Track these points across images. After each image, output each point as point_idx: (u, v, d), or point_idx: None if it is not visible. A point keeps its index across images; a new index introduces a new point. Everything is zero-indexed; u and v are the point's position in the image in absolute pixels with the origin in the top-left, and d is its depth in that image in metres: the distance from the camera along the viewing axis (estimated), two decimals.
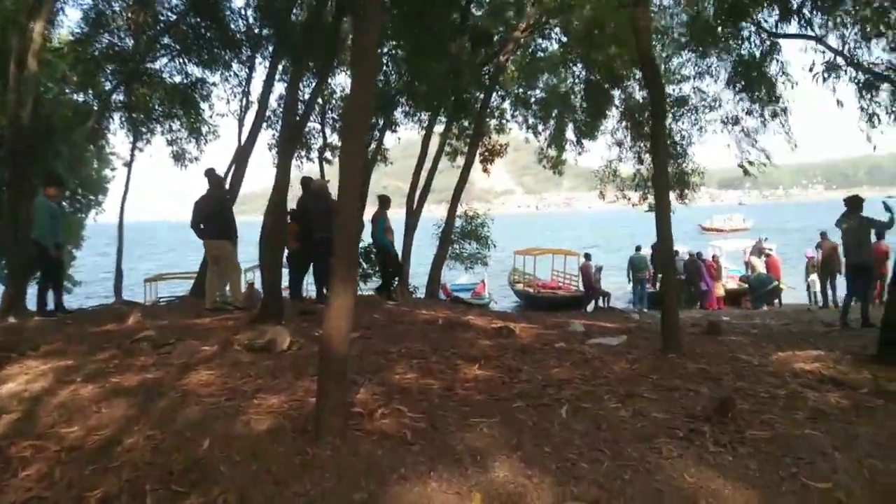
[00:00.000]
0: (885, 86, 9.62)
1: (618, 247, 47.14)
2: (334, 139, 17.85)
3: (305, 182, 10.84)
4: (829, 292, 17.43)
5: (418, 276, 20.59)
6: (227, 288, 9.71)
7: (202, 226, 9.15)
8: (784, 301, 19.81)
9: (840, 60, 9.68)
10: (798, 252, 26.66)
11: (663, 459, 2.97)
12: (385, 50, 15.34)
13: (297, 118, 7.95)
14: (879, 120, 10.02)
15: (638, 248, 21.15)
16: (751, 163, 13.25)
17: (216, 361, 5.33)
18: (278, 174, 7.08)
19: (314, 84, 14.99)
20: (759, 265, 21.69)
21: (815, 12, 9.65)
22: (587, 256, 21.33)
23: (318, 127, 17.54)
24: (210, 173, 9.50)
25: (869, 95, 9.76)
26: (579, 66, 16.43)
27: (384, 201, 11.66)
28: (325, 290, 10.21)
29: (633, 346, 5.99)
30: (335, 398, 3.50)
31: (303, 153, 17.81)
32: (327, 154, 18.15)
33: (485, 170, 18.59)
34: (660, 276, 21.41)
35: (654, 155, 6.01)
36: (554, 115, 19.11)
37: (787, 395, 3.95)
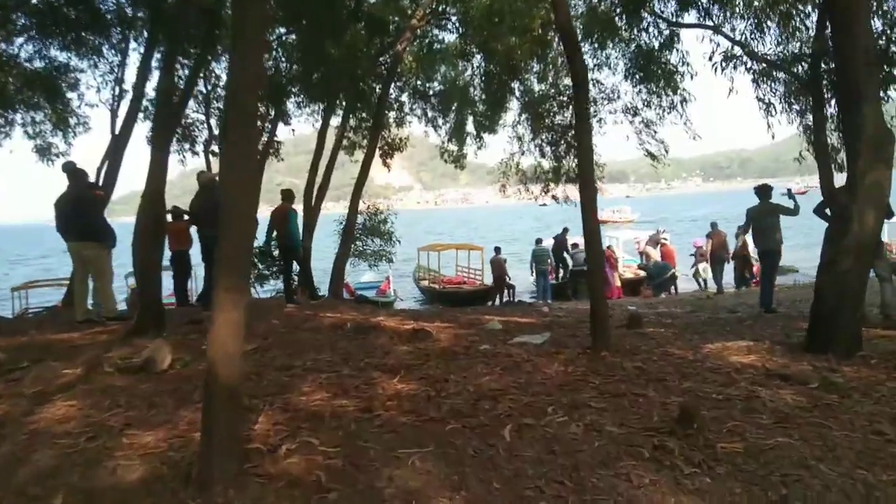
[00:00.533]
0: (781, 75, 9.82)
1: (519, 240, 47.83)
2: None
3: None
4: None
5: (318, 273, 19.60)
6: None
7: (65, 227, 8.01)
8: (679, 288, 20.57)
9: (737, 50, 9.80)
10: (684, 241, 27.90)
11: (635, 489, 2.49)
12: (274, 36, 14.35)
13: (173, 106, 6.96)
14: (776, 109, 10.26)
15: (538, 241, 21.19)
16: (653, 156, 13.33)
17: (80, 388, 4.40)
18: (152, 166, 6.13)
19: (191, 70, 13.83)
20: (655, 254, 22.39)
21: (712, 2, 9.72)
22: (497, 250, 21.13)
23: (203, 118, 16.24)
24: (69, 168, 8.31)
25: (766, 85, 9.94)
26: (478, 57, 16.08)
27: (290, 195, 10.74)
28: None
29: (558, 343, 5.57)
30: (225, 435, 2.77)
31: (186, 146, 16.44)
32: (214, 147, 16.84)
33: (385, 164, 17.90)
34: (561, 268, 21.67)
35: (579, 141, 5.59)
36: (454, 108, 18.76)
37: (740, 395, 3.61)
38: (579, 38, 13.52)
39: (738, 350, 5.06)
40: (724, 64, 10.02)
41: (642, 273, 22.11)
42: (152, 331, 6.00)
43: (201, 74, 15.12)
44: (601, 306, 5.10)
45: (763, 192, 9.65)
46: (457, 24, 15.78)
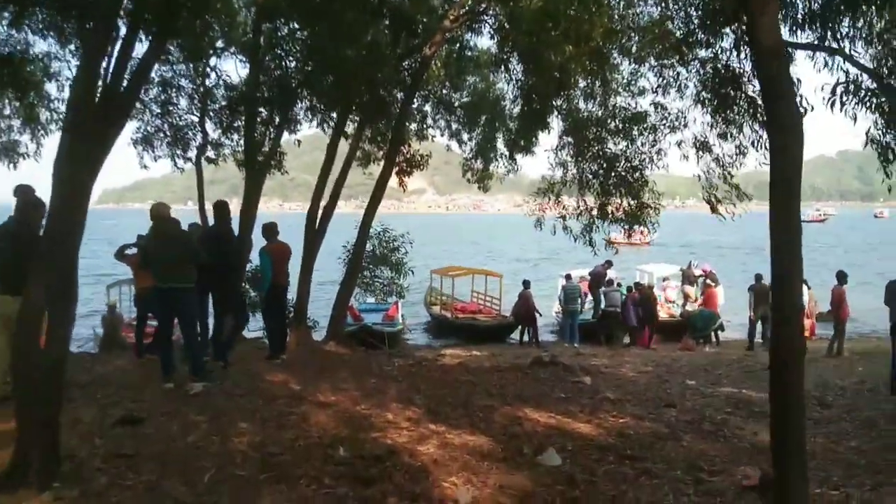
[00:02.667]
0: None
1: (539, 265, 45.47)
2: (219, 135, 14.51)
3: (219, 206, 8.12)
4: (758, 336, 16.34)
5: (320, 303, 17.50)
6: None
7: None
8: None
9: (867, 80, 7.58)
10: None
11: None
12: (284, 31, 12.26)
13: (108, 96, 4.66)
14: (894, 155, 8.07)
15: (568, 277, 18.98)
16: (714, 207, 10.86)
17: None
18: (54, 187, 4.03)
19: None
20: (693, 293, 20.18)
21: (840, 18, 7.50)
22: (526, 284, 18.95)
23: (196, 119, 14.15)
24: (24, 192, 6.23)
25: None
26: (518, 68, 13.86)
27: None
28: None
29: None
30: None
31: (178, 150, 14.37)
32: (211, 153, 14.77)
33: (400, 183, 15.78)
34: (592, 307, 19.37)
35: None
36: (482, 122, 16.64)
37: None
38: (641, 54, 11.44)
39: None
40: (844, 98, 7.81)
41: (676, 314, 19.88)
42: (36, 478, 3.82)
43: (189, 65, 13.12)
44: None
45: None
46: (494, 28, 13.64)
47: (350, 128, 14.39)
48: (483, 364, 11.94)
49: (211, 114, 13.92)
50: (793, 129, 3.26)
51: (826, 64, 7.85)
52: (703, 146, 10.85)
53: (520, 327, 18.59)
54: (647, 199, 11.64)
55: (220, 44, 13.58)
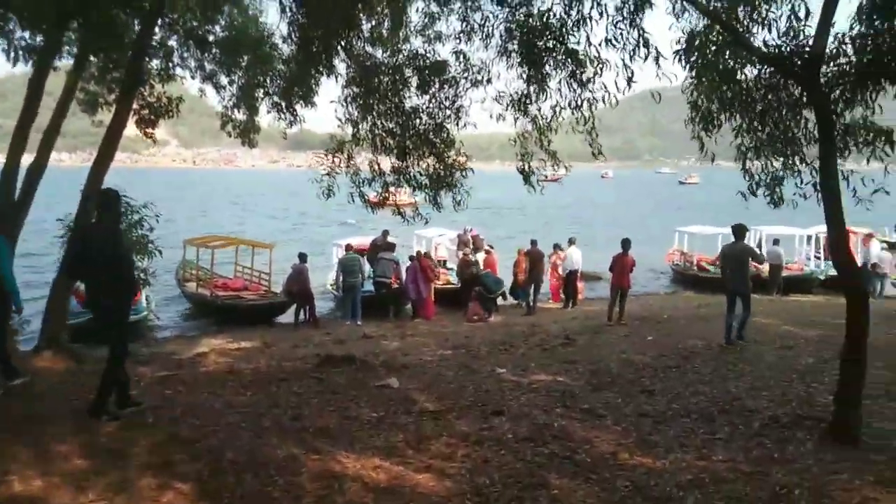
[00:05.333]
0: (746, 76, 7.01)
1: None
2: None
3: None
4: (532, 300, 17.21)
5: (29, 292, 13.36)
6: None
7: None
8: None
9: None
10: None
11: None
12: None
13: None
14: (717, 123, 7.52)
15: (348, 247, 17.07)
16: (527, 177, 9.53)
17: None
18: None
19: None
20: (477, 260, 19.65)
21: None
22: (302, 257, 16.62)
23: None
24: None
25: (727, 85, 7.05)
26: None
27: None
28: None
29: None
30: None
31: None
32: None
33: (146, 135, 12.42)
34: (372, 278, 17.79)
35: None
36: (245, 63, 13.82)
37: None
38: None
39: None
40: (685, 53, 6.97)
41: (453, 281, 19.19)
42: None
43: None
44: None
45: (740, 232, 9.95)
46: None
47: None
48: (259, 366, 9.65)
49: None
50: None
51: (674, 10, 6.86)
52: (518, 105, 9.45)
53: (295, 306, 16.33)
54: (455, 161, 10.12)
55: None
